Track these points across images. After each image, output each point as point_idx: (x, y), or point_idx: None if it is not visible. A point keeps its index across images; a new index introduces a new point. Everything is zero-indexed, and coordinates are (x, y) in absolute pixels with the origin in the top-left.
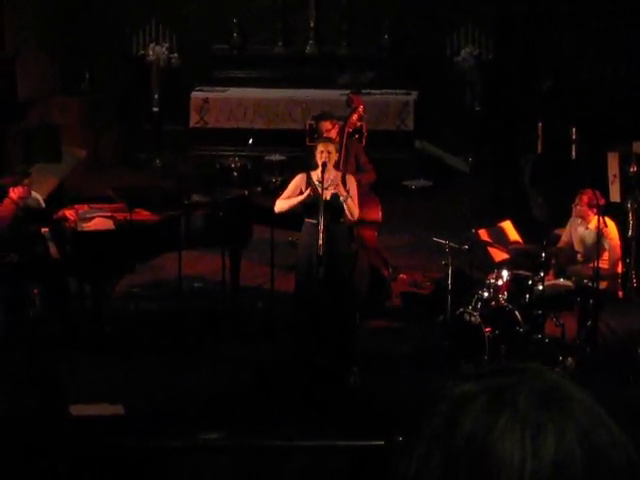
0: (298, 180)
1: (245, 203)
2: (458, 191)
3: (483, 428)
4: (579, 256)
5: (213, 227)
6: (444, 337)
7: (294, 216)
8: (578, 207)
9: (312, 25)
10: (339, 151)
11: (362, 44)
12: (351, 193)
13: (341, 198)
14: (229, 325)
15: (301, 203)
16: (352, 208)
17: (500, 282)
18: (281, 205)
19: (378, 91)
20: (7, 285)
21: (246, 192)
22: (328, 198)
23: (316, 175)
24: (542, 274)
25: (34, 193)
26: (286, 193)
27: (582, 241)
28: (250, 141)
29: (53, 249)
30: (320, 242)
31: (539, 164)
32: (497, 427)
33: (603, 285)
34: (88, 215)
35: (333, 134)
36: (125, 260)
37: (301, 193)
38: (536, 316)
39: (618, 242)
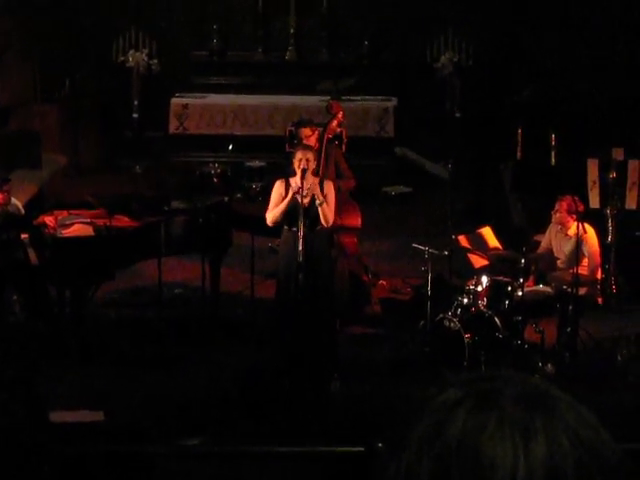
0: (278, 187)
1: (225, 209)
2: (438, 197)
3: (472, 431)
4: (559, 262)
5: (193, 233)
6: (424, 343)
7: None
8: (557, 213)
9: (292, 32)
10: (318, 157)
11: (342, 51)
12: (328, 199)
13: (316, 202)
14: (209, 332)
15: (288, 204)
16: (327, 213)
17: (480, 288)
18: (272, 215)
19: (358, 97)
20: None
21: (226, 198)
22: (307, 205)
23: (295, 182)
24: (522, 280)
25: (14, 199)
26: (272, 204)
27: (561, 247)
28: (230, 147)
29: (32, 255)
30: (300, 249)
31: (519, 170)
32: (486, 429)
33: (582, 291)
34: (67, 221)
35: (313, 140)
36: (105, 266)
37: (285, 198)
38: (516, 322)
39: (597, 248)
